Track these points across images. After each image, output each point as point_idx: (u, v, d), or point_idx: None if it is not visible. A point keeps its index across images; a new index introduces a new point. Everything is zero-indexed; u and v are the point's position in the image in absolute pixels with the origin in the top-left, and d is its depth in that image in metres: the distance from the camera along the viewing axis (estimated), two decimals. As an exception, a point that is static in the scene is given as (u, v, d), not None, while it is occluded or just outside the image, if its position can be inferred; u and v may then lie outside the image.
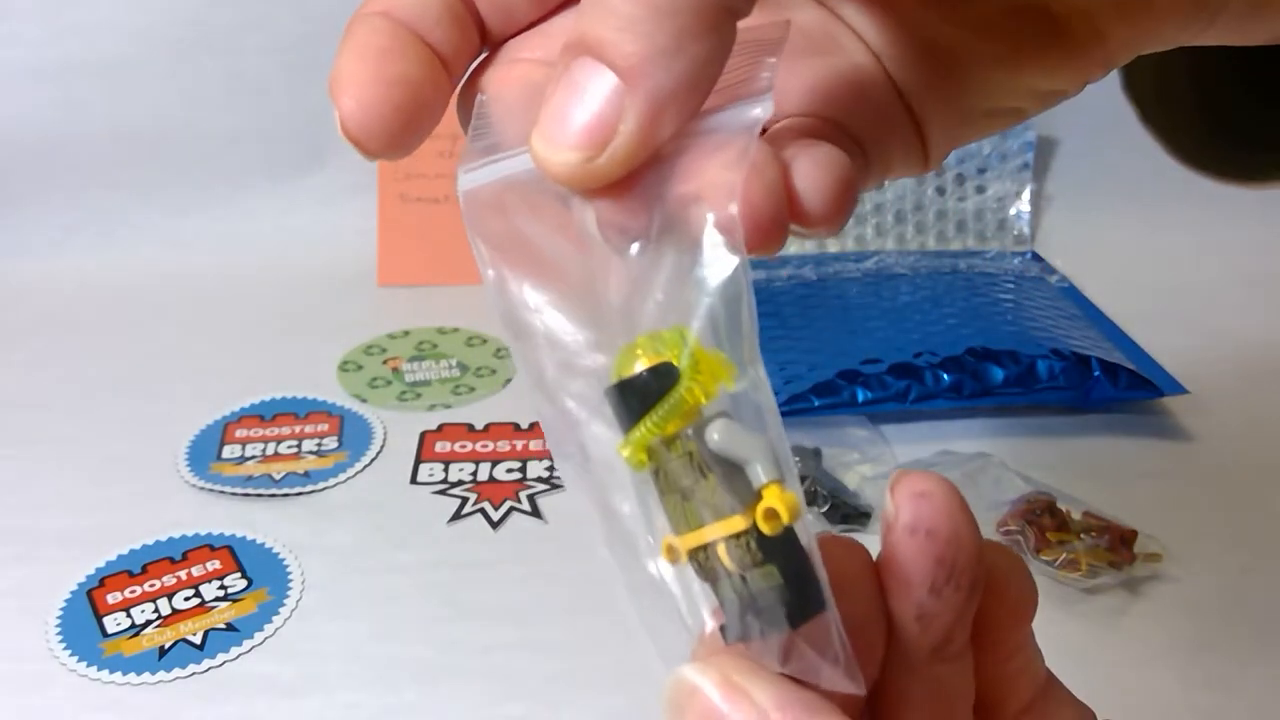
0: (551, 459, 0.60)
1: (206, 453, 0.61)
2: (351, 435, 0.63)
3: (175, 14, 0.81)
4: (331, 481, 0.59)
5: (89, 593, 0.51)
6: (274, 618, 0.50)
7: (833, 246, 0.82)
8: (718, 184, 0.19)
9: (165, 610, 0.50)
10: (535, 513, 0.57)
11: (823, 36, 0.24)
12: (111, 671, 0.47)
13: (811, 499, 0.55)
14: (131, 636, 0.49)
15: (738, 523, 0.20)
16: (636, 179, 0.20)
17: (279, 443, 0.62)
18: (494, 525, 0.56)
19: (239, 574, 0.52)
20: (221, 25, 0.82)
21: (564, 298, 0.21)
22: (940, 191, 0.83)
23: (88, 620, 0.50)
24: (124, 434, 0.63)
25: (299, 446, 0.62)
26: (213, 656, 0.48)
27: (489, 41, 0.24)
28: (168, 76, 0.82)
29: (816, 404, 0.62)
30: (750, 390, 0.20)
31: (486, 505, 0.57)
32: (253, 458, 0.61)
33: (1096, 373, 0.63)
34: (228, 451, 0.61)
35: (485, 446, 0.62)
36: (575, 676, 0.46)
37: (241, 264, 0.81)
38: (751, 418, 0.20)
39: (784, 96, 0.21)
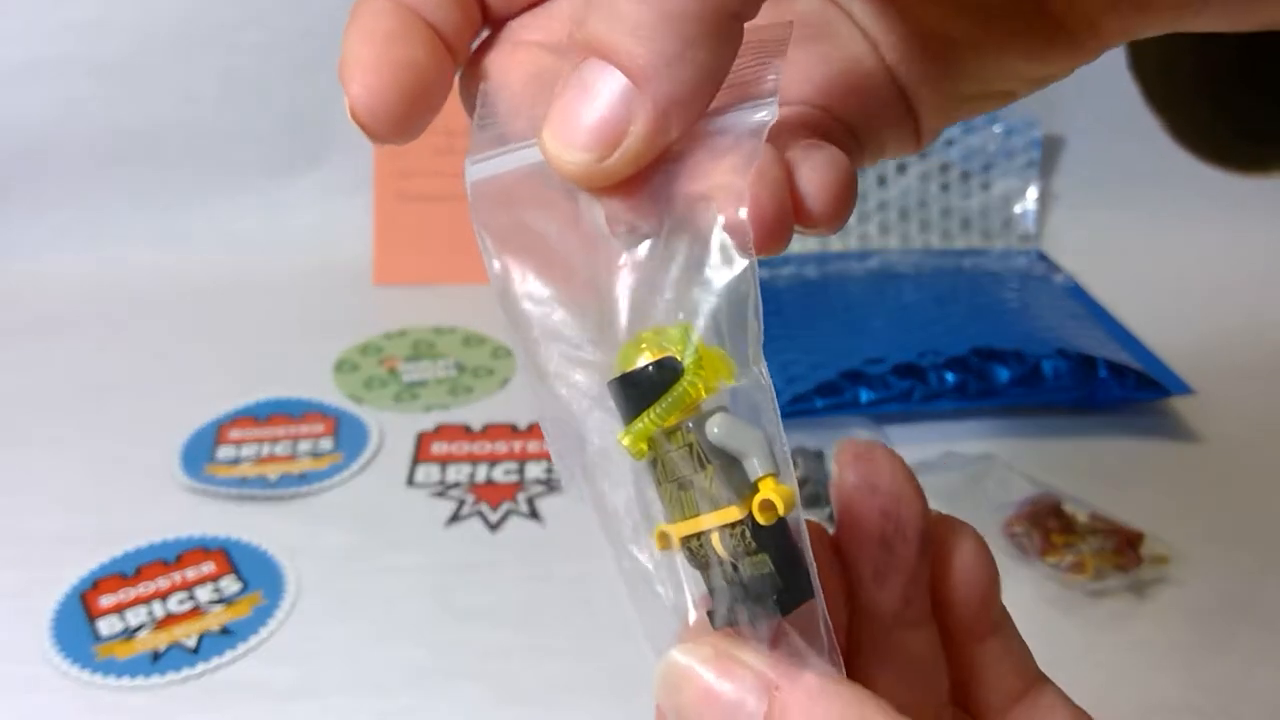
0: (550, 459, 0.60)
1: (201, 454, 0.61)
2: (347, 436, 0.62)
3: (171, 12, 0.81)
4: (327, 483, 0.58)
5: (82, 595, 0.51)
6: (269, 621, 0.49)
7: (836, 245, 0.82)
8: (726, 187, 0.20)
9: (159, 613, 0.50)
10: (534, 515, 0.56)
11: (820, 24, 0.24)
12: (105, 675, 0.46)
13: (814, 500, 0.55)
14: (125, 640, 0.48)
15: (733, 513, 0.20)
16: (646, 177, 0.20)
17: (274, 444, 0.62)
18: (492, 528, 0.55)
19: (234, 577, 0.52)
20: (218, 24, 0.81)
21: (568, 291, 0.22)
22: (945, 189, 0.82)
23: (81, 623, 0.49)
24: (117, 435, 0.63)
25: (294, 448, 0.61)
26: (207, 660, 0.47)
27: (490, 20, 0.24)
28: (164, 75, 0.82)
29: (819, 404, 0.62)
30: (752, 388, 0.21)
31: (484, 507, 0.57)
32: (247, 459, 0.60)
33: (1102, 373, 0.63)
34: (222, 453, 0.61)
35: (483, 448, 0.61)
36: (573, 680, 0.46)
37: (237, 263, 0.81)
38: (749, 413, 0.21)
39: (783, 85, 0.21)
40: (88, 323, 0.75)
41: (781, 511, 0.20)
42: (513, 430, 0.63)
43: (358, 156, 0.83)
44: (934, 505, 0.61)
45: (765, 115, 0.20)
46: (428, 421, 0.64)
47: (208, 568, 0.52)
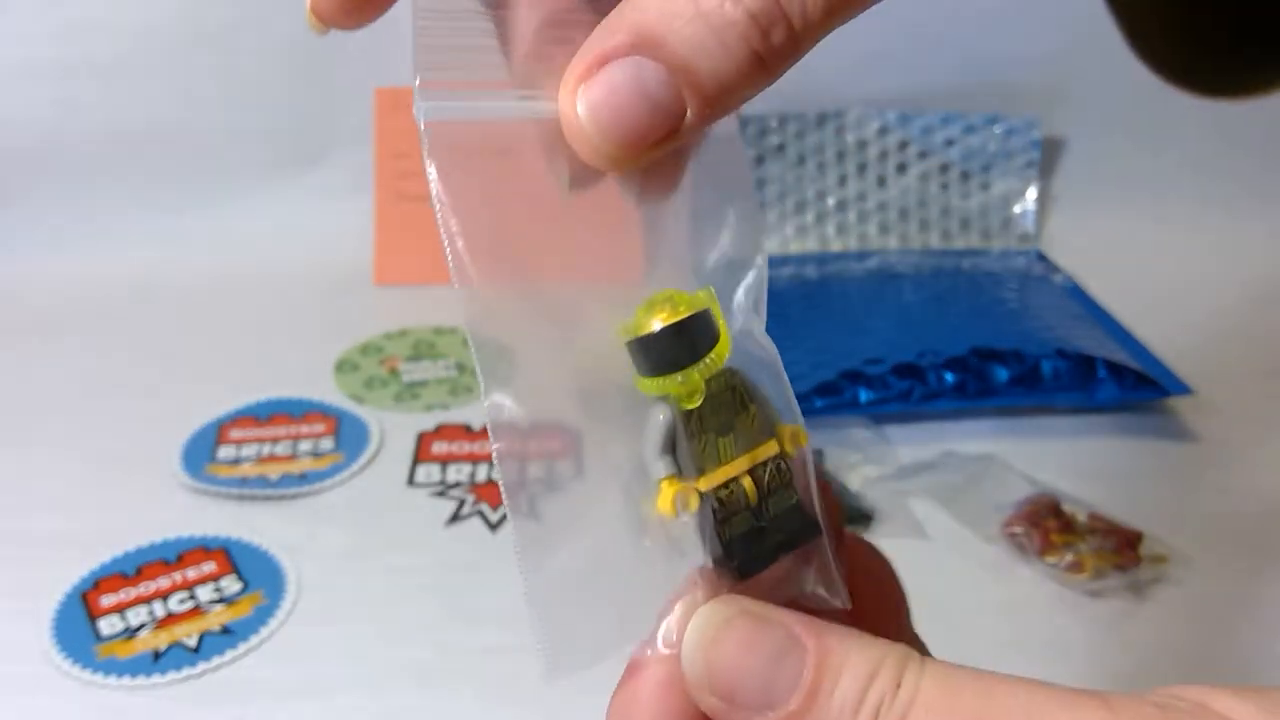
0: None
1: (201, 454, 0.61)
2: (348, 436, 0.62)
3: (171, 13, 0.81)
4: (328, 483, 0.58)
5: (83, 595, 0.51)
6: (270, 621, 0.49)
7: (835, 245, 0.82)
8: None
9: (160, 613, 0.50)
10: (534, 515, 0.56)
11: None
12: (105, 675, 0.46)
13: (813, 500, 0.55)
14: (126, 639, 0.48)
15: (772, 446, 0.22)
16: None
17: (275, 444, 0.62)
18: (492, 527, 0.55)
19: (234, 576, 0.52)
20: (217, 25, 0.81)
21: (548, 255, 0.22)
22: (944, 189, 0.82)
23: (82, 623, 0.49)
24: (118, 435, 0.63)
25: (295, 447, 0.61)
26: (208, 660, 0.47)
27: None
28: (164, 76, 0.82)
29: (819, 404, 0.62)
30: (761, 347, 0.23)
31: (484, 507, 0.57)
32: (248, 459, 0.60)
33: (1101, 373, 0.63)
34: (223, 453, 0.61)
35: (483, 448, 0.62)
36: (574, 680, 0.46)
37: (237, 263, 0.81)
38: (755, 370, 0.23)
39: None
40: (88, 323, 0.75)
41: (803, 442, 0.22)
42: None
43: (358, 157, 0.83)
44: (933, 505, 0.61)
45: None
46: (428, 421, 0.64)
47: (209, 567, 0.52)
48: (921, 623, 0.51)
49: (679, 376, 0.22)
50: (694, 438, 0.22)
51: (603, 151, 0.20)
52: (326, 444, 0.62)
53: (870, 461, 0.59)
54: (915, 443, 0.61)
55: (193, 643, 0.48)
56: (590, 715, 0.44)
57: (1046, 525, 0.53)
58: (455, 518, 0.56)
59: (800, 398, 0.67)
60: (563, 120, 0.21)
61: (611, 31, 0.20)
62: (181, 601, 0.50)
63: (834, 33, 0.25)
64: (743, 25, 0.20)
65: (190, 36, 0.81)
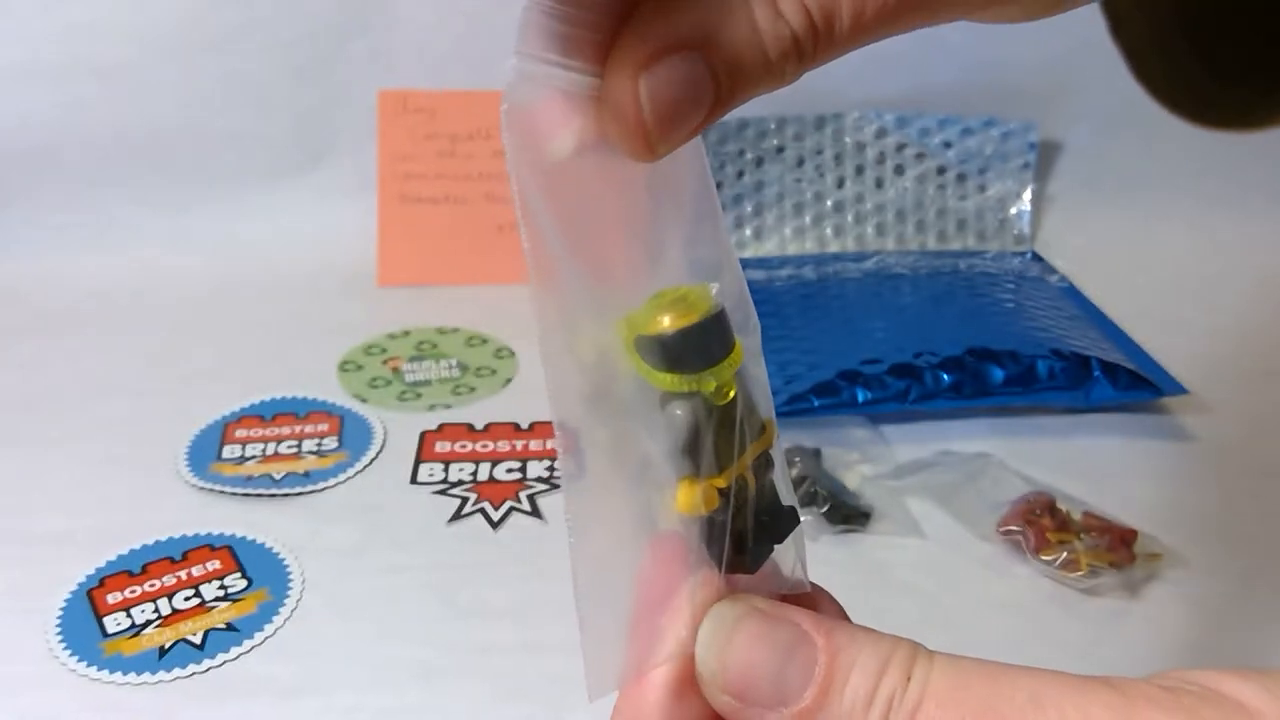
0: (550, 458, 0.60)
1: (206, 453, 0.61)
2: (351, 435, 0.63)
3: (175, 15, 0.81)
4: (332, 481, 0.59)
5: (89, 593, 0.51)
6: (274, 618, 0.50)
7: (833, 246, 0.82)
8: None
9: (165, 610, 0.50)
10: (535, 513, 0.57)
11: None
12: (111, 671, 0.47)
13: (811, 499, 0.55)
14: (131, 636, 0.49)
15: (767, 439, 0.23)
16: None
17: (279, 443, 0.62)
18: (494, 525, 0.56)
19: (239, 574, 0.52)
20: (221, 26, 0.82)
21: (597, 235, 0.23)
22: (941, 191, 0.83)
23: (88, 620, 0.50)
24: (124, 434, 0.63)
25: (299, 447, 0.62)
26: (213, 657, 0.48)
27: None
28: (168, 77, 0.82)
29: (816, 404, 0.62)
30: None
31: (486, 505, 0.57)
32: (253, 458, 0.61)
33: (1096, 373, 0.63)
34: (228, 451, 0.61)
35: (485, 446, 0.62)
36: (576, 677, 0.46)
37: (241, 264, 0.81)
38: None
39: None
40: (94, 323, 0.75)
41: (776, 435, 0.23)
42: (515, 429, 0.64)
43: (361, 159, 0.83)
44: (930, 503, 0.61)
45: None
46: (431, 420, 0.65)
47: (213, 565, 0.53)
48: (918, 620, 0.51)
49: (710, 373, 0.22)
50: (718, 430, 0.22)
51: (651, 137, 0.21)
52: (330, 443, 0.62)
53: (867, 460, 0.59)
54: (912, 442, 0.61)
55: (198, 640, 0.49)
56: (591, 713, 0.44)
57: (1042, 523, 0.54)
58: (457, 516, 0.57)
59: (798, 397, 0.67)
60: (615, 98, 0.21)
61: (674, 25, 0.21)
62: (187, 599, 0.51)
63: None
64: (788, 42, 0.22)
65: (193, 38, 0.82)
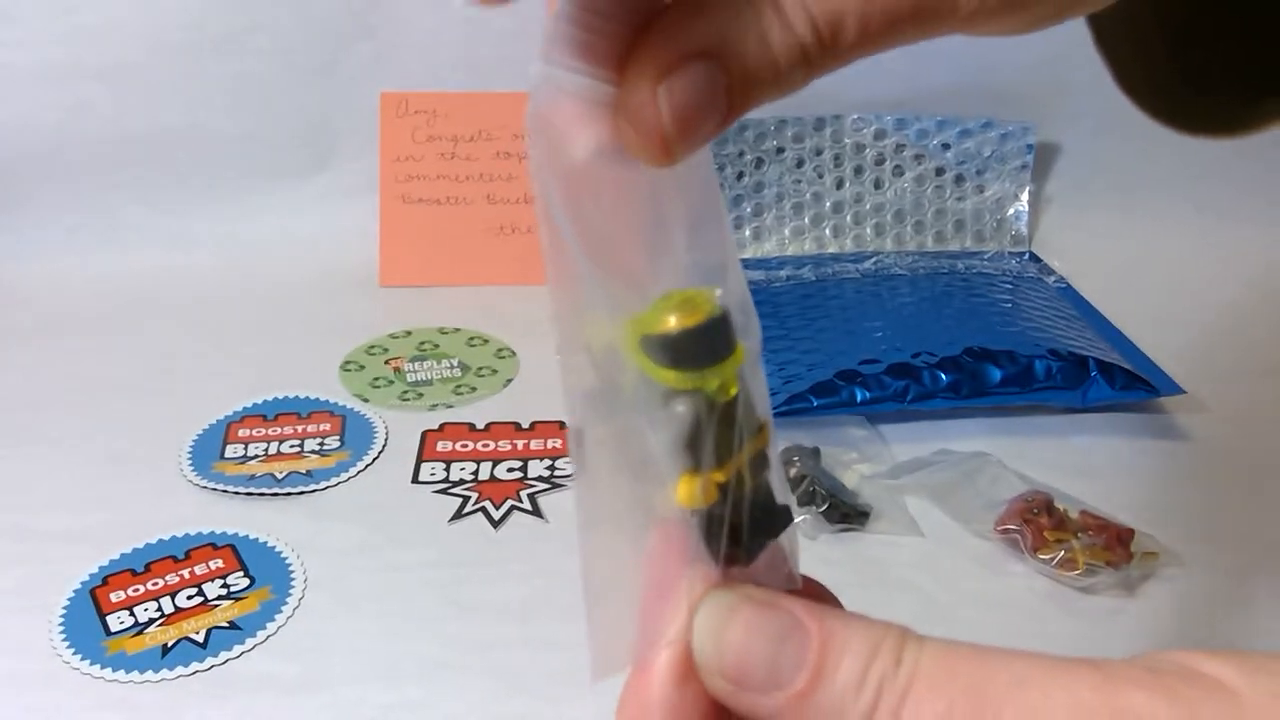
0: (549, 457, 0.60)
1: (209, 452, 0.62)
2: (353, 435, 0.63)
3: (179, 17, 0.81)
4: (334, 481, 0.59)
5: (92, 591, 0.51)
6: (276, 616, 0.50)
7: (831, 247, 0.82)
8: None
9: (168, 608, 0.50)
10: (536, 512, 0.57)
11: None
12: (115, 670, 0.47)
13: (810, 498, 0.55)
14: (135, 635, 0.49)
15: (764, 438, 0.24)
16: None
17: (281, 442, 0.62)
18: (495, 524, 0.56)
19: (242, 572, 0.53)
20: (225, 28, 0.82)
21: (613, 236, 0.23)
22: (939, 192, 0.83)
23: (91, 619, 0.50)
24: (127, 433, 0.63)
25: (301, 446, 0.62)
26: (215, 655, 0.48)
27: None
28: (171, 79, 0.82)
29: (815, 404, 0.62)
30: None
31: (488, 504, 0.57)
32: (255, 457, 0.61)
33: (1094, 373, 0.64)
34: (230, 451, 0.62)
35: (486, 446, 0.62)
36: (577, 674, 0.47)
37: (244, 265, 0.81)
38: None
39: None
40: (98, 323, 0.75)
41: (772, 433, 0.24)
42: (516, 428, 0.64)
43: (364, 160, 0.84)
44: (928, 502, 0.62)
45: None
46: (432, 420, 0.65)
47: (216, 564, 0.53)
48: (915, 618, 0.51)
49: (712, 371, 0.23)
50: (719, 427, 0.23)
51: (668, 143, 0.22)
52: (332, 442, 0.63)
53: (866, 460, 0.59)
54: (910, 441, 0.61)
55: (200, 638, 0.49)
56: (593, 710, 0.44)
57: (1039, 522, 0.54)
58: (459, 514, 0.57)
59: (797, 397, 0.67)
60: (634, 105, 0.22)
61: (690, 34, 0.22)
62: (189, 597, 0.51)
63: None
64: (796, 52, 0.22)
65: (197, 41, 0.82)
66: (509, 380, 0.69)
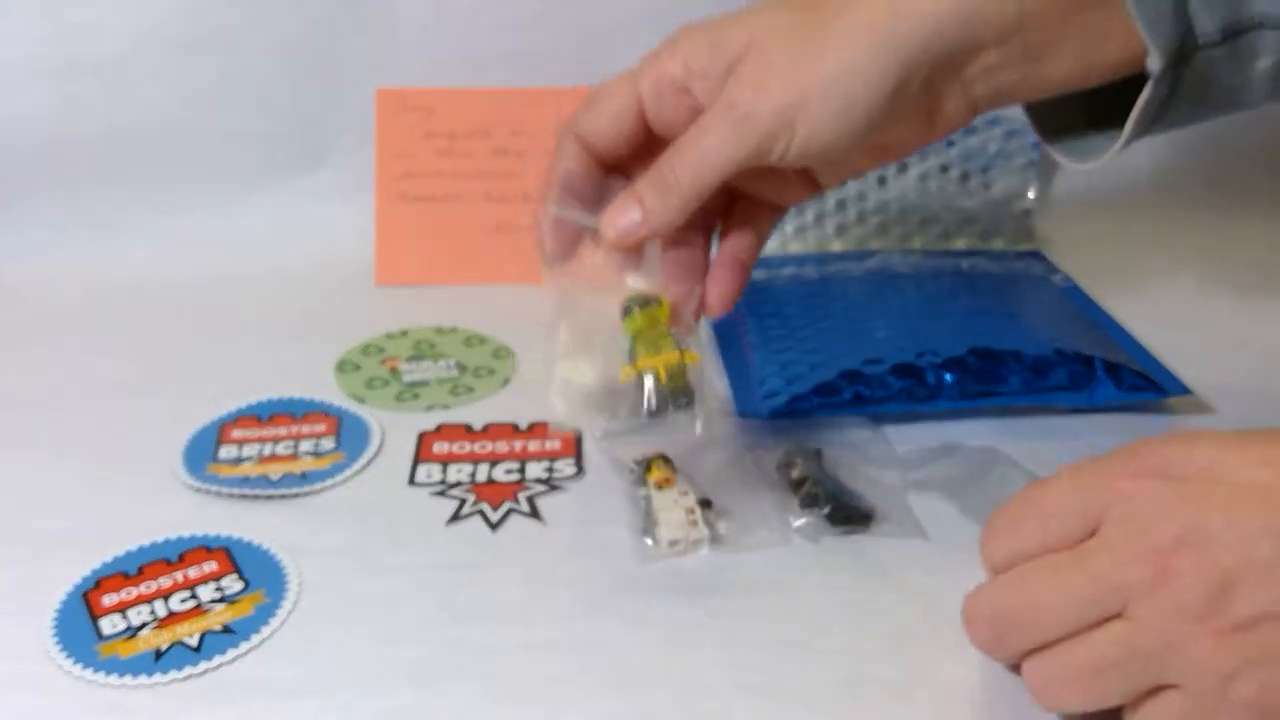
0: (549, 460, 0.60)
1: (203, 453, 0.61)
2: (349, 436, 0.63)
3: (174, 14, 0.81)
4: (329, 482, 0.59)
5: (84, 594, 0.51)
6: (271, 620, 0.49)
7: (835, 245, 0.82)
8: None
9: (161, 612, 0.50)
10: (534, 514, 0.56)
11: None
12: (107, 674, 0.47)
13: (813, 500, 0.55)
14: (127, 639, 0.48)
15: (674, 355, 0.49)
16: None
17: (276, 443, 0.62)
18: (493, 527, 0.56)
19: (236, 576, 0.52)
20: (220, 25, 0.82)
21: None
22: (944, 189, 0.82)
23: (83, 622, 0.49)
24: (119, 435, 0.63)
25: (296, 447, 0.62)
26: (209, 659, 0.47)
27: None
28: (166, 76, 0.82)
29: (817, 404, 0.62)
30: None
31: (485, 507, 0.57)
32: (249, 458, 0.60)
33: (1100, 373, 0.63)
34: (224, 452, 0.61)
35: (484, 447, 0.62)
36: (574, 678, 0.46)
37: (239, 263, 0.81)
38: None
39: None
40: (89, 323, 0.75)
41: (697, 359, 0.50)
42: (514, 430, 0.63)
43: (359, 157, 0.83)
44: (934, 503, 0.61)
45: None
46: (429, 421, 0.64)
47: (210, 566, 0.53)
48: (921, 621, 0.51)
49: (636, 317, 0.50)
50: (636, 347, 0.49)
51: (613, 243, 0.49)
52: (327, 444, 0.62)
53: (869, 461, 0.59)
54: (914, 442, 0.61)
55: (194, 642, 0.48)
56: (588, 714, 0.44)
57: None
58: (456, 517, 0.56)
59: (799, 397, 0.67)
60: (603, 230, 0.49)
61: (625, 197, 0.48)
62: (183, 600, 0.51)
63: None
64: (676, 207, 0.47)
65: (191, 37, 0.81)
66: (507, 380, 0.69)
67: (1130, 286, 0.77)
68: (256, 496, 0.58)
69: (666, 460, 0.56)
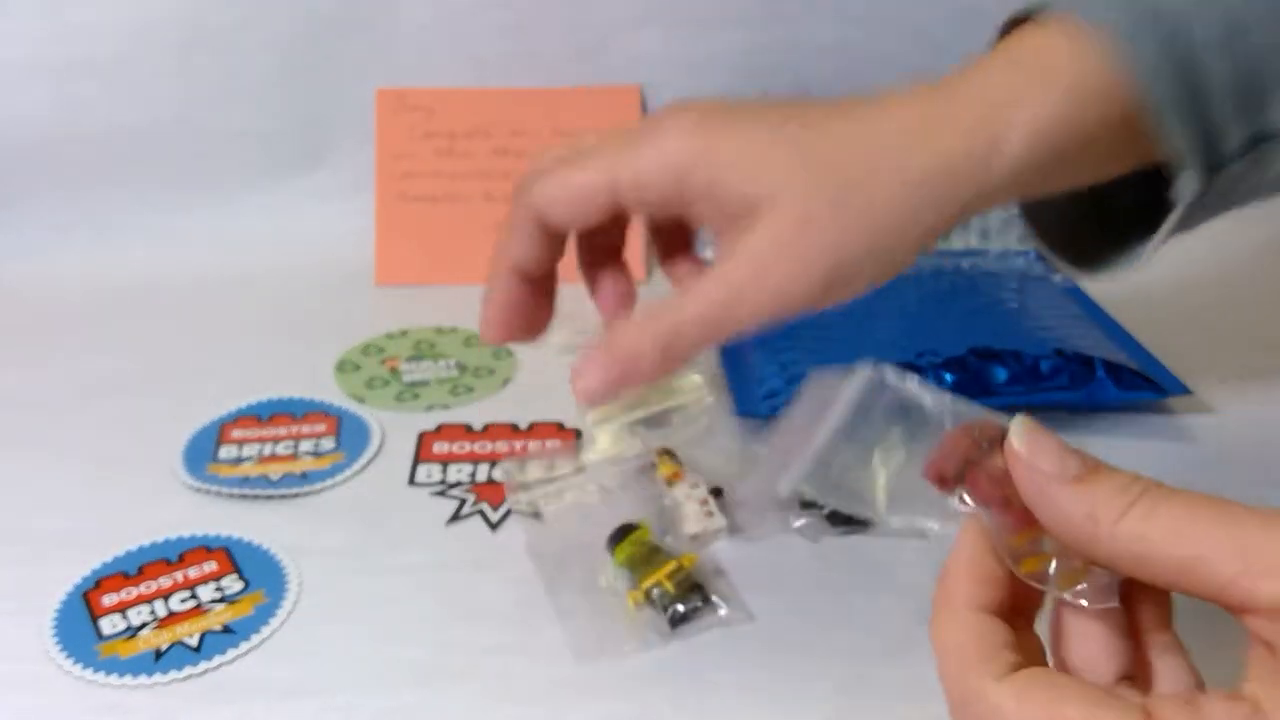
0: (544, 458, 0.60)
1: (203, 453, 0.61)
2: (349, 436, 0.63)
3: (173, 13, 0.81)
4: (329, 482, 0.59)
5: (85, 594, 0.51)
6: (271, 620, 0.49)
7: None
8: None
9: (161, 612, 0.50)
10: (535, 514, 0.56)
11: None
12: (107, 674, 0.47)
13: (812, 502, 0.55)
14: (128, 639, 0.48)
15: (670, 564, 0.49)
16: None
17: (276, 443, 0.62)
18: (493, 527, 0.56)
19: (236, 576, 0.52)
20: (219, 25, 0.81)
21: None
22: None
23: (83, 622, 0.49)
24: (120, 435, 0.63)
25: (296, 447, 0.62)
26: (209, 659, 0.47)
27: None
28: (165, 76, 0.82)
29: (818, 404, 0.62)
30: None
31: (485, 507, 0.57)
32: (249, 458, 0.60)
33: (1100, 373, 0.63)
34: (224, 452, 0.61)
35: (484, 447, 0.62)
36: (574, 680, 0.46)
37: (239, 263, 0.81)
38: None
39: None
40: (89, 322, 0.75)
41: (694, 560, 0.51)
42: (514, 430, 0.63)
43: (359, 157, 0.83)
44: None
45: None
46: (429, 421, 0.64)
47: (210, 566, 0.53)
48: (920, 620, 0.51)
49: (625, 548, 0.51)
50: (635, 573, 0.50)
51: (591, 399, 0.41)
52: (327, 444, 0.62)
53: (869, 461, 0.59)
54: (914, 443, 0.61)
55: (194, 642, 0.48)
56: (589, 714, 0.44)
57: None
58: (456, 517, 0.56)
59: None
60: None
61: (595, 350, 0.40)
62: (183, 601, 0.51)
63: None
64: (648, 355, 0.40)
65: (191, 36, 0.81)
66: (506, 380, 0.69)
67: (1130, 286, 0.76)
68: (256, 496, 0.58)
69: (672, 455, 0.56)
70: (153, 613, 0.50)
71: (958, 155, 0.39)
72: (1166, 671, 0.33)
